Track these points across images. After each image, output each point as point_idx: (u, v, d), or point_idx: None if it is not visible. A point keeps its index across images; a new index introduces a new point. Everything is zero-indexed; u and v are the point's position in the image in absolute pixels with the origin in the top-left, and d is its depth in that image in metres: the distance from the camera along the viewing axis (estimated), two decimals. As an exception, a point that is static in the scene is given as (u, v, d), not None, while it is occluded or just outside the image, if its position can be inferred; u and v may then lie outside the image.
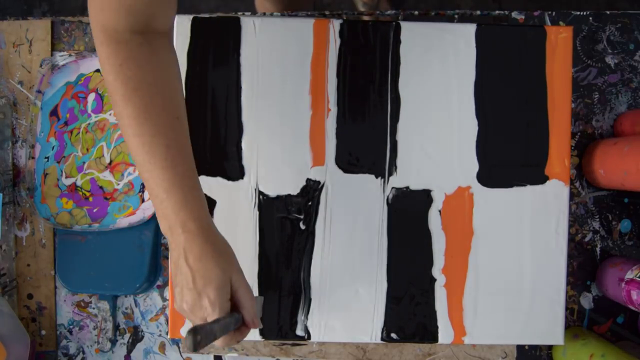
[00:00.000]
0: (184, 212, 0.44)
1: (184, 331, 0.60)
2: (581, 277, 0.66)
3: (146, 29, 0.45)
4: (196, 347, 0.39)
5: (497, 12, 0.66)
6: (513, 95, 0.61)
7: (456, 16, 0.66)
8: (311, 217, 0.60)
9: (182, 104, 0.47)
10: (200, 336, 0.40)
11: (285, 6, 1.02)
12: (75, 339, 0.68)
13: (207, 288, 0.43)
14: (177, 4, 0.48)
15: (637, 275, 0.57)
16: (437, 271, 0.60)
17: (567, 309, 0.64)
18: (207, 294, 0.43)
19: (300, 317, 0.60)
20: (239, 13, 0.63)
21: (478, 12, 0.66)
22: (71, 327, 0.68)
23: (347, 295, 0.60)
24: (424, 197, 0.61)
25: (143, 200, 0.65)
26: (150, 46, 0.45)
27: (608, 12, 0.66)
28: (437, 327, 0.60)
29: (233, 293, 0.45)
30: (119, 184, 0.65)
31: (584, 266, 0.66)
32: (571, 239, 0.65)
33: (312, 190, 0.60)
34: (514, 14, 0.66)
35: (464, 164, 0.61)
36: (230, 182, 0.60)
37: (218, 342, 0.45)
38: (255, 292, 0.60)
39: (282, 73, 0.60)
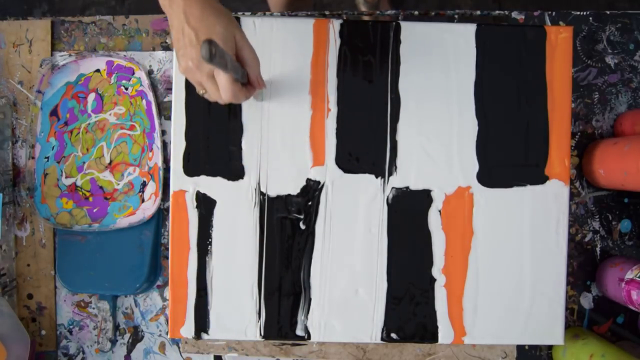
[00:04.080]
0: None
1: (184, 331, 0.60)
2: (581, 277, 0.66)
3: None
4: (212, 57, 0.39)
5: (497, 12, 0.66)
6: (513, 96, 0.61)
7: (456, 16, 0.66)
8: (311, 217, 0.60)
9: None
10: (215, 49, 0.40)
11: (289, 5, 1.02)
12: (75, 339, 0.68)
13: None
14: None
15: (637, 275, 0.57)
16: (437, 271, 0.60)
17: (567, 309, 0.64)
18: None
19: (300, 317, 0.60)
20: (239, 13, 0.63)
21: (478, 12, 0.66)
22: (71, 327, 0.68)
23: (347, 295, 0.60)
24: (424, 197, 0.61)
25: (143, 200, 0.65)
26: None
27: (608, 12, 0.65)
28: (437, 327, 0.60)
29: (237, 51, 0.46)
30: (119, 184, 0.65)
31: (584, 266, 0.66)
32: (571, 239, 0.65)
33: (312, 190, 0.60)
34: (514, 14, 0.66)
35: (464, 164, 0.61)
36: (230, 182, 0.60)
37: (225, 91, 0.46)
38: (255, 291, 0.60)
39: (282, 73, 0.60)
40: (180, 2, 0.45)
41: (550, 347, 0.66)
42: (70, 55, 0.66)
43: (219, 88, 0.47)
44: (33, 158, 0.66)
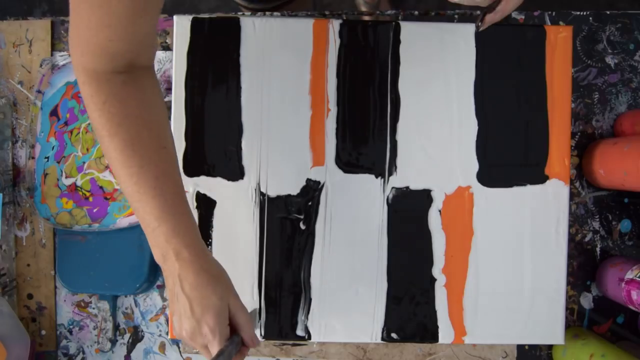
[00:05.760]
0: (176, 240, 0.44)
1: (184, 331, 0.60)
2: (581, 277, 0.66)
3: (128, 68, 0.45)
4: None
5: (497, 12, 0.66)
6: (513, 95, 0.61)
7: (456, 16, 0.66)
8: (311, 217, 0.60)
9: (169, 134, 0.47)
10: None
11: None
12: (75, 339, 0.68)
13: (205, 316, 0.43)
14: (157, 39, 0.47)
15: (637, 275, 0.57)
16: (437, 271, 0.60)
17: (567, 309, 0.64)
18: (206, 322, 0.43)
19: (301, 317, 0.60)
20: (239, 13, 0.63)
21: (478, 12, 0.66)
22: (71, 327, 0.68)
23: (347, 295, 0.60)
24: (424, 197, 0.61)
25: (143, 200, 0.65)
26: (134, 83, 0.45)
27: (608, 12, 0.65)
28: (437, 327, 0.60)
29: (231, 317, 0.45)
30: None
31: (584, 266, 0.66)
32: (571, 239, 0.65)
33: (312, 190, 0.60)
34: (514, 14, 0.66)
35: (464, 164, 0.61)
36: (230, 183, 0.60)
37: None
38: (256, 292, 0.60)
39: (282, 73, 0.60)
40: (175, 264, 0.44)
41: (550, 347, 0.66)
42: (70, 55, 0.66)
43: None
44: (33, 158, 0.66)
